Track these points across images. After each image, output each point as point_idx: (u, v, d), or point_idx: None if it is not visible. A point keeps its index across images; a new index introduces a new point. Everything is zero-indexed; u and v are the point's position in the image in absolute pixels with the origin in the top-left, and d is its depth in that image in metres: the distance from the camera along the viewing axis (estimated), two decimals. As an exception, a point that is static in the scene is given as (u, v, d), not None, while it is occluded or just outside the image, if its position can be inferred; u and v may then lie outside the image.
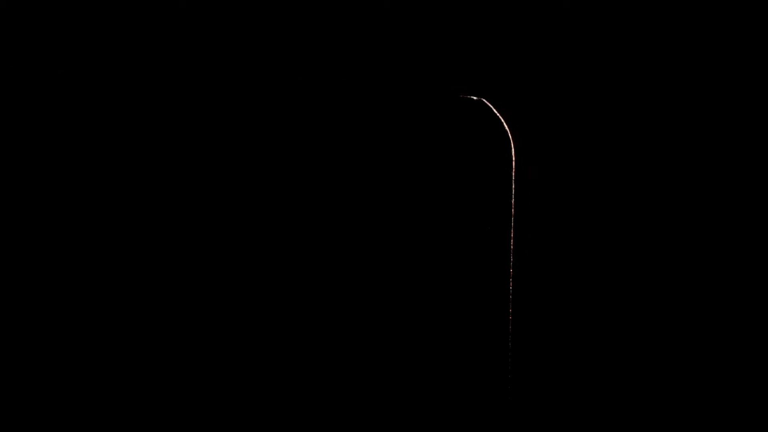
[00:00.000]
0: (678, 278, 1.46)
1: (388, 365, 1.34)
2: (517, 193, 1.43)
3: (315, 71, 1.26)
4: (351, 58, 1.27)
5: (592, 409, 1.45)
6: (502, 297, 1.44)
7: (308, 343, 1.30)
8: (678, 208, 1.45)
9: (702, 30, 1.45)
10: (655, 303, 1.45)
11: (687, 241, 1.45)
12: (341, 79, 1.27)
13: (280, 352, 1.32)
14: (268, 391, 1.30)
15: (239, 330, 1.31)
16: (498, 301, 1.43)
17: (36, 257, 1.30)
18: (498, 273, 1.42)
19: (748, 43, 1.44)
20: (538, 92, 1.40)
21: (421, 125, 1.35)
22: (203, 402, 1.30)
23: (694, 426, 1.47)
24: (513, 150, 1.42)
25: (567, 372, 1.44)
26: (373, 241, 1.33)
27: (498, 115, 1.41)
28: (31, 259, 1.30)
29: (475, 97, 1.39)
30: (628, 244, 1.44)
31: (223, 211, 1.31)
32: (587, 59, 1.42)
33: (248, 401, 1.30)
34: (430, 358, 1.37)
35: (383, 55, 1.30)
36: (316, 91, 1.28)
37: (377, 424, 1.30)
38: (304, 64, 1.26)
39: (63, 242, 1.30)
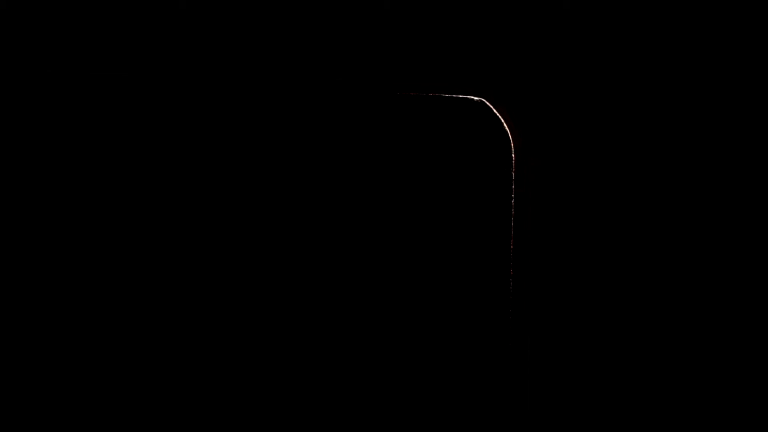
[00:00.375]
0: (679, 278, 1.45)
1: (388, 365, 1.34)
2: (517, 194, 1.43)
3: (315, 71, 1.26)
4: (350, 58, 1.27)
5: (591, 407, 1.44)
6: (502, 297, 1.44)
7: (307, 344, 1.29)
8: (678, 207, 1.45)
9: (702, 29, 1.44)
10: (655, 300, 1.45)
11: (689, 241, 1.45)
12: (340, 79, 1.27)
13: (279, 355, 1.32)
14: (268, 392, 1.30)
15: (240, 331, 1.31)
16: (498, 301, 1.43)
17: (35, 257, 1.30)
18: (498, 273, 1.42)
19: (748, 42, 1.44)
20: (538, 93, 1.40)
21: (421, 125, 1.35)
22: (203, 402, 1.30)
23: (693, 425, 1.47)
24: (513, 150, 1.42)
25: (567, 371, 1.44)
26: (372, 242, 1.33)
27: (498, 115, 1.41)
28: (30, 260, 1.30)
29: (475, 98, 1.39)
30: (629, 243, 1.43)
31: (226, 215, 1.31)
32: (588, 60, 1.42)
33: (251, 402, 1.30)
34: (429, 358, 1.37)
35: (383, 56, 1.30)
36: (315, 92, 1.28)
37: (377, 424, 1.30)
38: (305, 64, 1.26)
39: (61, 242, 1.30)
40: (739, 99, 1.44)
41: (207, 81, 1.27)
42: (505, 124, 1.42)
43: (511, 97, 1.38)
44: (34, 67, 1.26)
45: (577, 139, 1.42)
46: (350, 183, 1.31)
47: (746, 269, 1.45)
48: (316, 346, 1.31)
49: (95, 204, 1.31)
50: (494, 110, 1.39)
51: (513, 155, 1.41)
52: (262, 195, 1.28)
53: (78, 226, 1.31)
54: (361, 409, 1.31)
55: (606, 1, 1.42)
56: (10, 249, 1.30)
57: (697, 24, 1.44)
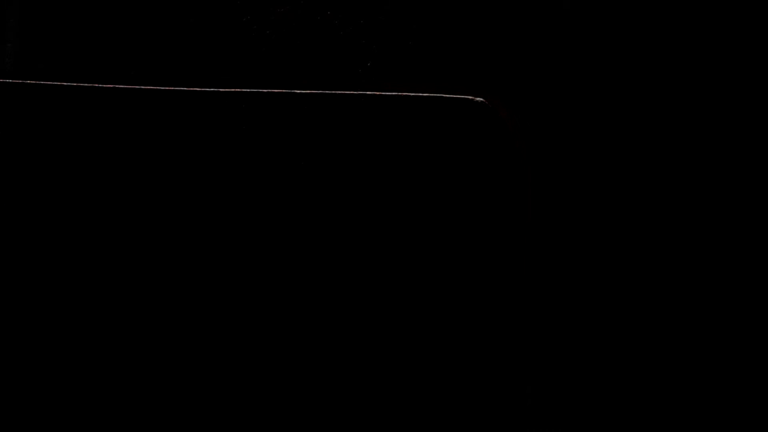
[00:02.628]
0: (686, 282, 1.44)
1: (390, 367, 1.34)
2: (519, 195, 1.42)
3: (312, 71, 1.25)
4: (348, 57, 1.27)
5: (592, 408, 1.44)
6: (504, 300, 1.43)
7: (305, 344, 1.29)
8: (688, 209, 1.44)
9: (704, 29, 1.44)
10: (660, 303, 1.44)
11: (696, 243, 1.44)
12: (338, 78, 1.26)
13: (278, 354, 1.31)
14: (265, 389, 1.30)
15: (241, 330, 1.31)
16: (499, 303, 1.42)
17: (37, 258, 1.30)
18: (499, 275, 1.41)
19: (748, 42, 1.43)
20: (540, 93, 1.39)
21: (421, 126, 1.34)
22: (203, 402, 1.30)
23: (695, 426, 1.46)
24: (514, 151, 1.41)
25: (569, 374, 1.43)
26: (370, 244, 1.33)
27: (499, 116, 1.40)
28: (32, 261, 1.30)
29: (475, 98, 1.38)
30: (635, 246, 1.42)
31: (224, 216, 1.31)
32: (590, 60, 1.41)
33: (251, 401, 1.30)
34: (431, 359, 1.37)
35: (382, 55, 1.29)
36: (312, 92, 1.28)
37: (376, 423, 1.30)
38: (302, 63, 1.26)
39: (64, 243, 1.30)
40: (740, 99, 1.43)
41: (202, 83, 1.26)
42: (506, 125, 1.41)
43: (513, 98, 1.37)
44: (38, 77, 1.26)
45: (582, 141, 1.41)
46: (348, 185, 1.30)
47: (751, 268, 1.44)
48: (313, 346, 1.30)
49: (97, 205, 1.30)
50: (495, 111, 1.38)
51: (514, 156, 1.41)
52: (261, 197, 1.28)
53: (80, 228, 1.30)
54: (359, 408, 1.31)
55: (606, 1, 1.41)
56: (13, 251, 1.30)
57: (699, 23, 1.43)
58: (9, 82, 1.28)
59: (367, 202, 1.34)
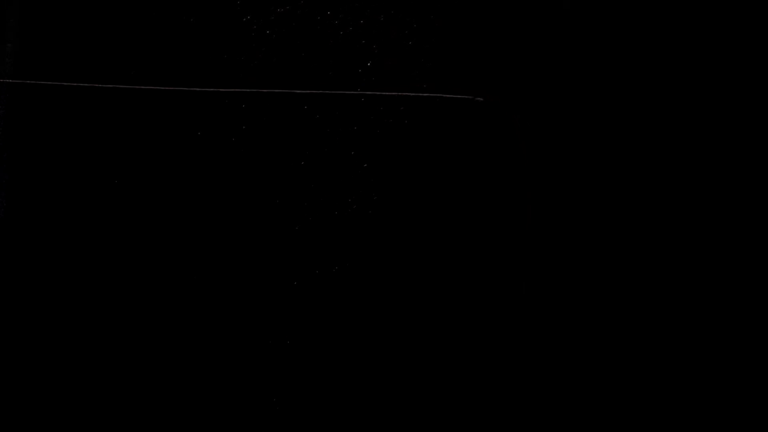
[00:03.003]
0: (689, 283, 1.44)
1: (391, 367, 1.33)
2: (520, 196, 1.42)
3: (312, 72, 1.25)
4: (348, 57, 1.26)
5: (592, 408, 1.43)
6: (503, 302, 1.43)
7: (306, 344, 1.29)
8: (689, 212, 1.43)
9: (705, 28, 1.43)
10: (658, 299, 1.44)
11: (698, 244, 1.43)
12: (338, 78, 1.26)
13: (285, 358, 1.31)
14: (267, 389, 1.30)
15: (244, 329, 1.31)
16: (498, 301, 1.42)
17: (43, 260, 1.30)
18: (500, 277, 1.41)
19: (748, 42, 1.43)
20: (540, 93, 1.39)
21: (421, 125, 1.34)
22: (203, 402, 1.30)
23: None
24: (514, 152, 1.41)
25: (572, 376, 1.43)
26: (370, 242, 1.32)
27: (499, 116, 1.40)
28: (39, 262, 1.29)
29: (475, 98, 1.38)
30: (640, 248, 1.42)
31: (224, 215, 1.31)
32: (590, 60, 1.41)
33: (252, 401, 1.30)
34: (431, 359, 1.36)
35: (382, 55, 1.29)
36: (311, 92, 1.28)
37: (376, 423, 1.30)
38: (301, 63, 1.25)
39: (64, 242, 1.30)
40: (740, 99, 1.43)
41: (202, 83, 1.26)
42: (506, 125, 1.41)
43: (513, 98, 1.36)
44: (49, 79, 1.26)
45: (581, 139, 1.41)
46: (348, 184, 1.30)
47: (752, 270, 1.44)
48: (312, 345, 1.30)
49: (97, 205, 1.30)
50: (495, 111, 1.38)
51: (514, 155, 1.40)
52: (261, 196, 1.28)
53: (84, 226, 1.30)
54: (357, 406, 1.30)
55: (606, 1, 1.41)
56: (12, 249, 1.30)
57: (698, 24, 1.43)
58: (9, 82, 1.28)
59: (367, 201, 1.34)
